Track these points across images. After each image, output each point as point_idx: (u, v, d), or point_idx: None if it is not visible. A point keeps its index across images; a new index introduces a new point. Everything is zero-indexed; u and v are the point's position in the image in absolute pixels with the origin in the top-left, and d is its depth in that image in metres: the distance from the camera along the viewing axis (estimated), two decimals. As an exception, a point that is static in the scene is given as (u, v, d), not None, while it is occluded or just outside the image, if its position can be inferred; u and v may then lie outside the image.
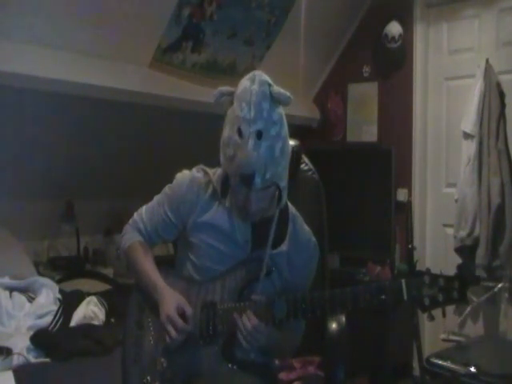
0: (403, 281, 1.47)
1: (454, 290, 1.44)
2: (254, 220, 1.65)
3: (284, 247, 1.67)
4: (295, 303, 1.55)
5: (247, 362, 1.63)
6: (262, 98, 1.51)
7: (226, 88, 1.58)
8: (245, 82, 1.55)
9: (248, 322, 1.52)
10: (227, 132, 1.55)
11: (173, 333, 1.56)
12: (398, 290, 1.47)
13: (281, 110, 1.56)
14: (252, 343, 1.54)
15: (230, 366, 1.58)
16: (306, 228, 1.75)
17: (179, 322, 1.57)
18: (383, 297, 1.49)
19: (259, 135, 1.50)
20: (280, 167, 1.56)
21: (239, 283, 1.62)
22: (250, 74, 1.56)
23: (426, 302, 1.46)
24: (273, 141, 1.52)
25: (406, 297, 1.46)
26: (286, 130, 1.58)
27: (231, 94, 1.57)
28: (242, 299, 1.61)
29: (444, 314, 1.48)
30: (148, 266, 1.70)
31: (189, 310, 1.59)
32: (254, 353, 1.62)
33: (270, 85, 1.54)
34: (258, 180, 1.51)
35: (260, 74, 1.56)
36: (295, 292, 1.62)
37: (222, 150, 1.58)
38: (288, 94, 1.54)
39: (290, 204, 1.74)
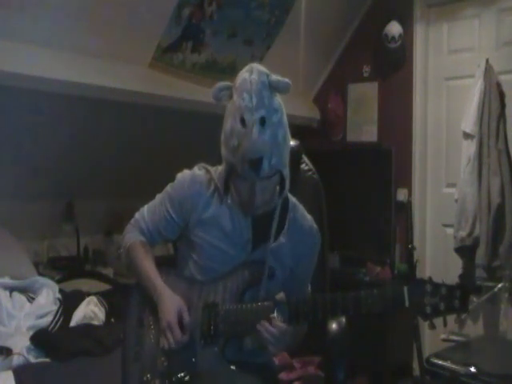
0: (405, 288, 1.48)
1: (456, 299, 1.45)
2: (258, 213, 1.65)
3: (283, 239, 1.67)
4: (297, 306, 1.56)
5: (247, 362, 1.63)
6: (262, 86, 1.54)
7: (223, 83, 1.60)
8: (243, 74, 1.57)
9: (273, 329, 1.53)
10: (229, 124, 1.56)
11: (171, 341, 1.57)
12: (399, 297, 1.49)
13: (279, 99, 1.59)
14: (280, 347, 1.57)
15: (230, 366, 1.59)
16: (308, 216, 1.77)
17: (178, 332, 1.57)
18: (384, 301, 1.51)
19: (262, 122, 1.52)
20: (283, 154, 1.59)
21: (241, 285, 1.62)
22: (247, 67, 1.59)
23: (428, 310, 1.47)
24: (275, 128, 1.55)
25: (407, 305, 1.48)
26: (285, 118, 1.60)
27: (229, 88, 1.59)
28: (243, 301, 1.61)
29: (445, 324, 1.50)
30: (148, 266, 1.70)
31: (187, 318, 1.59)
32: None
33: (267, 75, 1.57)
34: (265, 165, 1.52)
35: (257, 66, 1.59)
36: (300, 280, 1.67)
37: (224, 143, 1.58)
38: (287, 80, 1.56)
39: (289, 194, 1.74)
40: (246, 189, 1.60)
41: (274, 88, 1.55)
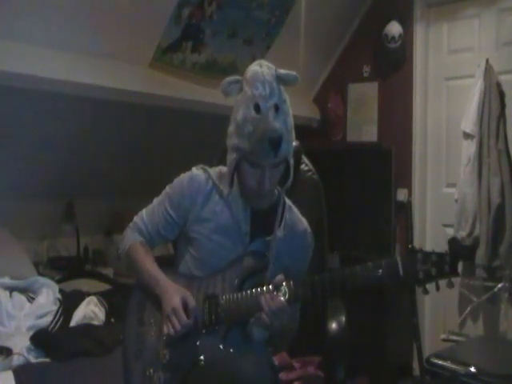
0: (399, 257, 1.57)
1: (446, 264, 1.54)
2: (258, 207, 1.69)
3: (279, 233, 1.70)
4: (296, 288, 1.58)
5: (248, 351, 1.64)
6: (272, 78, 1.60)
7: (232, 77, 1.65)
8: (254, 67, 1.63)
9: (272, 302, 1.55)
10: (242, 113, 1.59)
11: (177, 325, 1.58)
12: (394, 265, 1.56)
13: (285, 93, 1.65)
14: (275, 322, 1.57)
15: (231, 351, 1.60)
16: (303, 218, 1.81)
17: (183, 316, 1.58)
18: (380, 272, 1.57)
19: (277, 108, 1.58)
20: (291, 143, 1.64)
21: (240, 276, 1.65)
22: (256, 62, 1.66)
23: (421, 275, 1.55)
24: (286, 116, 1.61)
25: (401, 272, 1.55)
26: (291, 111, 1.65)
27: (239, 82, 1.64)
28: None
29: (438, 288, 1.58)
30: (149, 263, 1.71)
31: (192, 303, 1.61)
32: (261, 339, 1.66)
33: (275, 69, 1.63)
34: (284, 145, 1.58)
35: (264, 61, 1.66)
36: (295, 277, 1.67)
37: (236, 131, 1.61)
38: (294, 73, 1.62)
39: (285, 197, 1.77)
40: (255, 177, 1.62)
41: (283, 81, 1.61)
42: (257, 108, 1.57)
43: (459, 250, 1.61)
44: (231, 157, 1.64)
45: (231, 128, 1.63)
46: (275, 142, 1.56)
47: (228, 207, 1.69)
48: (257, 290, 1.60)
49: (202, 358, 1.58)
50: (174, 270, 1.75)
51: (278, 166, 1.62)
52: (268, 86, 1.58)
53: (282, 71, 1.62)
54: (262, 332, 1.63)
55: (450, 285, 1.55)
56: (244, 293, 1.62)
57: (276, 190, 1.74)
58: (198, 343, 1.60)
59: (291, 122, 1.64)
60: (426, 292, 1.57)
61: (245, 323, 1.64)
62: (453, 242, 1.64)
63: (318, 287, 1.58)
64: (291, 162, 1.66)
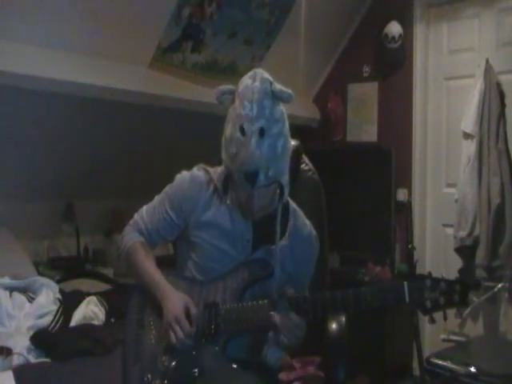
0: (405, 284, 1.49)
1: (455, 293, 1.47)
2: (256, 218, 1.66)
3: (284, 242, 1.68)
4: (297, 304, 1.56)
5: (248, 361, 1.63)
6: (264, 95, 1.53)
7: (226, 86, 1.60)
8: (246, 80, 1.56)
9: (289, 321, 1.53)
10: (229, 130, 1.56)
11: (180, 334, 1.56)
12: (400, 293, 1.49)
13: (282, 108, 1.58)
14: (292, 340, 1.55)
15: (231, 365, 1.59)
16: (307, 222, 1.77)
17: (186, 324, 1.57)
18: (385, 299, 1.51)
19: (262, 133, 1.52)
20: (282, 164, 1.58)
21: (241, 284, 1.63)
22: (251, 72, 1.58)
23: (428, 305, 1.48)
24: (275, 138, 1.54)
25: (407, 299, 1.49)
26: (287, 127, 1.60)
27: (232, 93, 1.58)
28: (243, 300, 1.61)
29: (445, 317, 1.50)
30: (150, 265, 1.70)
31: (194, 310, 1.59)
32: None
33: (271, 83, 1.55)
34: (261, 177, 1.52)
35: (261, 72, 1.58)
36: (298, 286, 1.65)
37: (224, 147, 1.59)
38: (290, 91, 1.56)
39: (290, 199, 1.75)
40: (243, 195, 1.60)
41: (276, 97, 1.55)
42: (242, 130, 1.52)
43: (470, 279, 1.54)
44: (222, 168, 1.64)
45: (222, 140, 1.60)
46: (251, 176, 1.52)
47: (229, 212, 1.67)
48: (258, 303, 1.57)
49: (195, 371, 1.56)
50: (175, 272, 1.74)
51: (266, 186, 1.57)
52: (256, 105, 1.51)
53: (277, 87, 1.54)
54: (278, 352, 1.62)
55: (460, 315, 1.49)
56: (245, 304, 1.59)
57: (276, 199, 1.67)
58: (197, 353, 1.58)
59: (283, 141, 1.56)
60: (432, 321, 1.50)
61: (245, 334, 1.62)
62: (463, 270, 1.59)
63: (319, 306, 1.55)
64: (284, 180, 1.61)
